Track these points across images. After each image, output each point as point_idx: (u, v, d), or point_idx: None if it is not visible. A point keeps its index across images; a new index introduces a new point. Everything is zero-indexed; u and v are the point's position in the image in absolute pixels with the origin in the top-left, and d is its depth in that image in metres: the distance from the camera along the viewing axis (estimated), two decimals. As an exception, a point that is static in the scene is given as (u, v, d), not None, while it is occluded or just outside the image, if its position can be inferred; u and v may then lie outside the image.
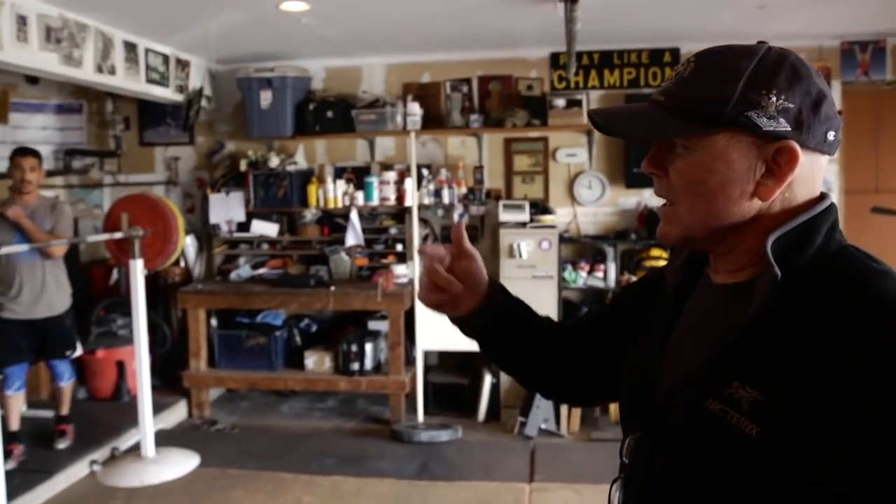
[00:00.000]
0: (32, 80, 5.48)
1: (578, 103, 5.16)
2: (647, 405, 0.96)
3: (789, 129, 0.83)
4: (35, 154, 4.21)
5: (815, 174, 0.88)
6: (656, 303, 1.05)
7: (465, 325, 1.18)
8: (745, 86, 0.83)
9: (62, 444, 4.33)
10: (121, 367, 5.22)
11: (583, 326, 1.26)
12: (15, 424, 4.15)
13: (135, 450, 4.37)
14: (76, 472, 4.13)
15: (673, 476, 0.89)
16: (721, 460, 0.83)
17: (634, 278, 4.96)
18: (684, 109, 0.86)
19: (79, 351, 4.49)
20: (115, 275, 5.66)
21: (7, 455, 3.84)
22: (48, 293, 4.21)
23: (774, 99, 0.83)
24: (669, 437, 0.90)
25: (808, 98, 0.84)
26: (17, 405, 4.22)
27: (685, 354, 0.93)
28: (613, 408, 4.63)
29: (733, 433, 0.81)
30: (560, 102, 5.18)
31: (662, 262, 5.08)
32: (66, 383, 4.40)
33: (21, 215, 4.04)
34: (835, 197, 5.19)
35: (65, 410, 4.43)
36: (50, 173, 5.75)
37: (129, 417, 4.62)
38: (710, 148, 0.85)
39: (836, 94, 5.14)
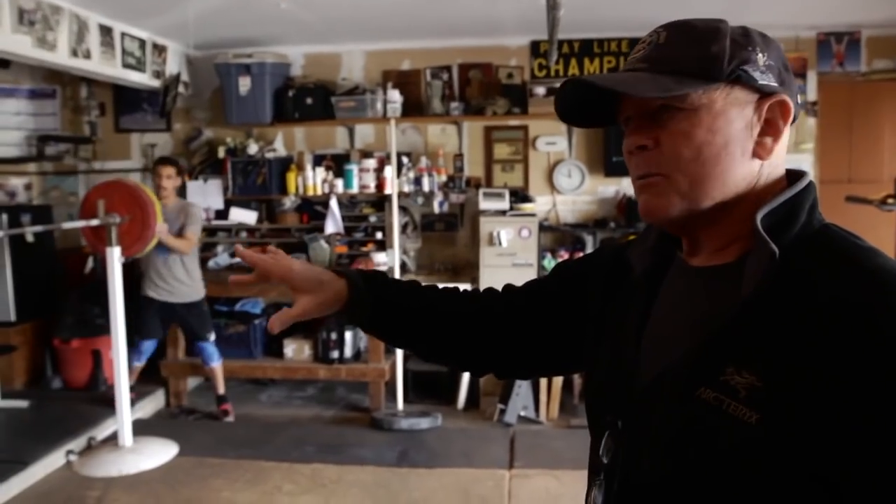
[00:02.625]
0: (4, 63, 5.36)
1: (558, 92, 5.16)
2: (625, 399, 0.90)
3: (777, 84, 0.84)
4: (174, 163, 4.72)
5: (785, 143, 0.87)
6: (616, 286, 1.01)
7: (348, 317, 1.09)
8: (732, 42, 0.82)
9: (230, 419, 4.88)
10: (97, 356, 5.17)
11: (514, 296, 1.16)
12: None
13: (112, 439, 4.33)
14: (52, 462, 4.08)
15: (661, 473, 0.83)
16: (717, 452, 0.78)
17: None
18: (678, 68, 0.83)
19: (212, 337, 4.88)
20: (90, 263, 5.59)
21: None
22: (182, 283, 4.70)
23: (760, 55, 0.83)
24: (656, 431, 0.84)
25: (781, 59, 0.85)
26: (134, 376, 4.75)
27: (667, 343, 0.88)
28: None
29: (730, 422, 0.76)
30: (540, 91, 5.19)
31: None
32: (217, 364, 4.85)
33: (164, 232, 4.45)
34: (810, 186, 5.25)
35: (221, 390, 4.89)
36: (22, 160, 5.67)
37: (105, 407, 4.58)
38: (710, 106, 0.82)
39: (811, 84, 5.21)
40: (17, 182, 5.78)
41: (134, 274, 5.38)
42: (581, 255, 4.97)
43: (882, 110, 5.09)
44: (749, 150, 0.84)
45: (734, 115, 0.83)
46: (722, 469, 0.78)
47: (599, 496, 0.92)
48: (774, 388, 0.75)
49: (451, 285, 1.22)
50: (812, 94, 5.22)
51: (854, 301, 0.74)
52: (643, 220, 0.92)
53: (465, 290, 1.20)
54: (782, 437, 0.74)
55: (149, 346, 4.80)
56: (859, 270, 0.77)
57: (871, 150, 5.21)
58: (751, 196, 0.85)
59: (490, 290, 1.19)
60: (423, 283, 1.20)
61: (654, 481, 0.84)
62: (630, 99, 0.87)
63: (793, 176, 0.88)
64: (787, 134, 0.86)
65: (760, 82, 0.82)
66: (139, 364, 4.80)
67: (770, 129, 0.84)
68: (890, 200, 3.96)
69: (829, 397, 0.72)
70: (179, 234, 4.62)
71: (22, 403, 4.77)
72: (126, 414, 4.24)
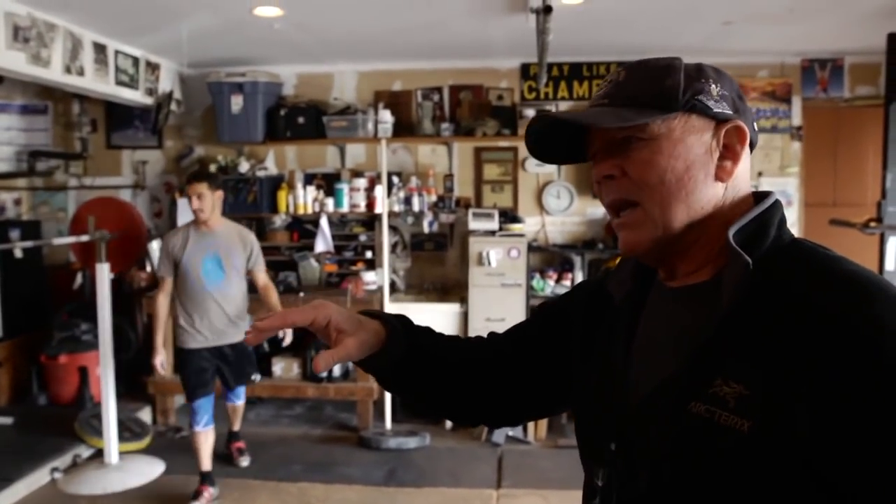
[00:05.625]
0: (-4, 79, 5.39)
1: (548, 114, 5.24)
2: (615, 422, 0.91)
3: (731, 112, 0.90)
4: (201, 178, 3.90)
5: (747, 166, 0.93)
6: (598, 318, 1.03)
7: (378, 360, 1.04)
8: (686, 76, 0.89)
9: (245, 462, 4.41)
10: (83, 372, 5.13)
11: (500, 344, 1.15)
12: (206, 464, 3.92)
13: (98, 457, 4.30)
14: (37, 479, 4.04)
15: (658, 488, 0.84)
16: (712, 463, 0.80)
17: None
18: (638, 102, 0.89)
19: (258, 376, 4.39)
20: (79, 279, 5.57)
21: (195, 497, 3.82)
22: (234, 322, 4.01)
23: (714, 86, 0.89)
24: (651, 448, 0.85)
25: (734, 90, 0.91)
26: (209, 442, 3.94)
27: (654, 363, 0.90)
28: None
29: (722, 433, 0.78)
30: (530, 113, 5.25)
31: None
32: (242, 402, 4.43)
33: (160, 364, 3.96)
34: (795, 210, 5.33)
35: (237, 426, 4.51)
36: (13, 175, 5.67)
37: (91, 424, 4.55)
38: (669, 134, 0.88)
39: (796, 109, 5.30)
40: (6, 197, 5.77)
41: (122, 290, 5.37)
42: (568, 280, 5.03)
43: (865, 136, 5.18)
44: (711, 174, 0.89)
45: (693, 141, 0.88)
46: (718, 479, 0.80)
47: None
48: (762, 395, 0.77)
49: (451, 333, 1.19)
50: (797, 119, 5.31)
51: (831, 304, 0.77)
52: (623, 255, 0.98)
53: (467, 339, 1.18)
54: (774, 441, 0.76)
55: (205, 403, 3.94)
56: (833, 275, 0.81)
57: (854, 175, 5.29)
58: (718, 217, 0.90)
59: (483, 339, 1.18)
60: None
61: (652, 497, 0.86)
62: (596, 133, 0.93)
63: (758, 197, 0.93)
64: (746, 157, 0.92)
65: (715, 110, 0.88)
66: (202, 429, 3.91)
67: (729, 153, 0.90)
68: (873, 224, 4.02)
69: (817, 400, 0.75)
70: (249, 273, 4.05)
71: (6, 420, 4.73)
72: (113, 431, 4.21)
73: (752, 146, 0.92)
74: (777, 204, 0.91)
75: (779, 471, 0.77)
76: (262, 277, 4.12)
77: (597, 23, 4.28)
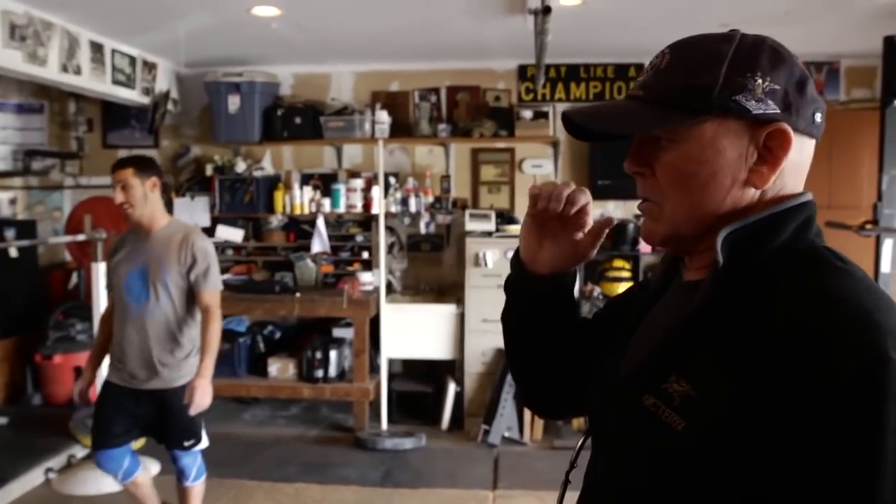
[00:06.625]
0: (-8, 78, 5.37)
1: (545, 115, 5.25)
2: (597, 406, 0.94)
3: (778, 111, 0.80)
4: (126, 163, 2.99)
5: (805, 160, 0.85)
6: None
7: (538, 281, 1.04)
8: (729, 69, 0.80)
9: None
10: (79, 372, 5.09)
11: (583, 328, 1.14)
12: None
13: (92, 457, 4.28)
14: (31, 479, 4.03)
15: (613, 475, 0.85)
16: (651, 456, 0.80)
17: (598, 289, 5.04)
18: (668, 100, 0.82)
19: (204, 443, 3.15)
20: (74, 278, 5.56)
21: None
22: (160, 360, 2.98)
23: (760, 81, 0.80)
24: (606, 437, 0.88)
25: (793, 79, 0.82)
26: (144, 492, 3.20)
27: (636, 353, 0.90)
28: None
29: (661, 429, 0.78)
30: (527, 114, 5.26)
31: (626, 273, 5.19)
32: (193, 483, 3.15)
33: (80, 392, 3.06)
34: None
35: None
36: (8, 174, 5.65)
37: (86, 424, 4.53)
38: (699, 137, 0.81)
39: (792, 112, 5.31)
40: (1, 196, 5.75)
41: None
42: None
43: (861, 138, 5.19)
44: (741, 180, 0.82)
45: (725, 145, 0.81)
46: (657, 472, 0.80)
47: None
48: (705, 398, 0.76)
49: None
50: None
51: (797, 321, 0.73)
52: (643, 240, 0.95)
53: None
54: (704, 446, 0.75)
55: (111, 457, 3.05)
56: (813, 291, 0.76)
57: (850, 177, 5.30)
58: (749, 212, 0.84)
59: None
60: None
61: (608, 482, 0.88)
62: None
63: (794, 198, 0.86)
64: (798, 154, 0.84)
65: (755, 112, 0.80)
66: (127, 480, 3.14)
67: (768, 157, 0.82)
68: (868, 226, 4.04)
69: (755, 408, 0.72)
70: (189, 289, 2.98)
71: (1, 420, 4.71)
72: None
73: (815, 138, 0.85)
74: (804, 206, 0.84)
75: (705, 476, 0.75)
76: (206, 299, 2.98)
77: (594, 24, 4.29)
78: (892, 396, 0.68)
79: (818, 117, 0.84)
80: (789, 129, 0.81)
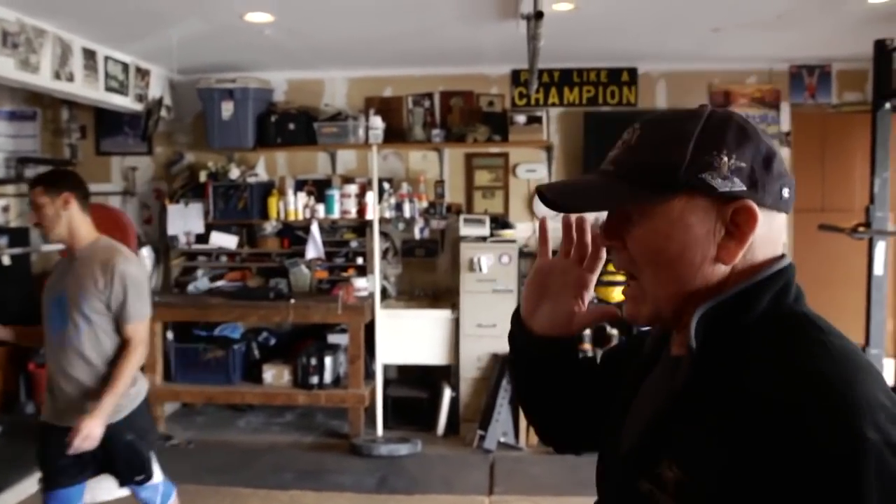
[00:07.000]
0: (-16, 85, 5.35)
1: (539, 120, 5.26)
2: (601, 474, 0.98)
3: (744, 188, 0.81)
4: (37, 182, 2.71)
5: (775, 233, 0.86)
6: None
7: (537, 342, 1.08)
8: (696, 148, 0.82)
9: None
10: (72, 380, 5.09)
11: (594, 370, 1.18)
12: None
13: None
14: (25, 488, 4.00)
15: None
16: None
17: (592, 293, 5.03)
18: (636, 177, 0.84)
19: (157, 478, 2.91)
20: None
21: None
22: (86, 392, 2.64)
23: (726, 159, 0.81)
24: None
25: (759, 156, 0.83)
26: None
27: (634, 426, 0.91)
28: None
29: None
30: (520, 119, 5.27)
31: (620, 277, 5.18)
32: None
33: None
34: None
35: None
36: (0, 182, 5.62)
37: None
38: (667, 214, 0.83)
39: (785, 115, 5.34)
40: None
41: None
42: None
43: (853, 141, 5.22)
44: (711, 256, 0.83)
45: (693, 221, 0.83)
46: None
47: None
48: (696, 482, 0.77)
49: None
50: (785, 125, 5.35)
51: (774, 402, 0.73)
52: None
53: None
54: None
55: (62, 498, 2.74)
56: (790, 367, 0.76)
57: (842, 180, 5.33)
58: (722, 286, 0.84)
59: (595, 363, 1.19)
60: None
61: None
62: None
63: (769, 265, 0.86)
64: (766, 228, 0.84)
65: (721, 189, 0.81)
66: None
67: (735, 233, 0.82)
68: (861, 229, 4.05)
69: (747, 494, 0.72)
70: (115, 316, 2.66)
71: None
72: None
73: (784, 212, 0.85)
74: (776, 275, 0.84)
75: None
76: (127, 331, 2.67)
77: (587, 29, 4.30)
78: (873, 474, 0.68)
79: (786, 192, 0.85)
80: (755, 206, 0.82)
